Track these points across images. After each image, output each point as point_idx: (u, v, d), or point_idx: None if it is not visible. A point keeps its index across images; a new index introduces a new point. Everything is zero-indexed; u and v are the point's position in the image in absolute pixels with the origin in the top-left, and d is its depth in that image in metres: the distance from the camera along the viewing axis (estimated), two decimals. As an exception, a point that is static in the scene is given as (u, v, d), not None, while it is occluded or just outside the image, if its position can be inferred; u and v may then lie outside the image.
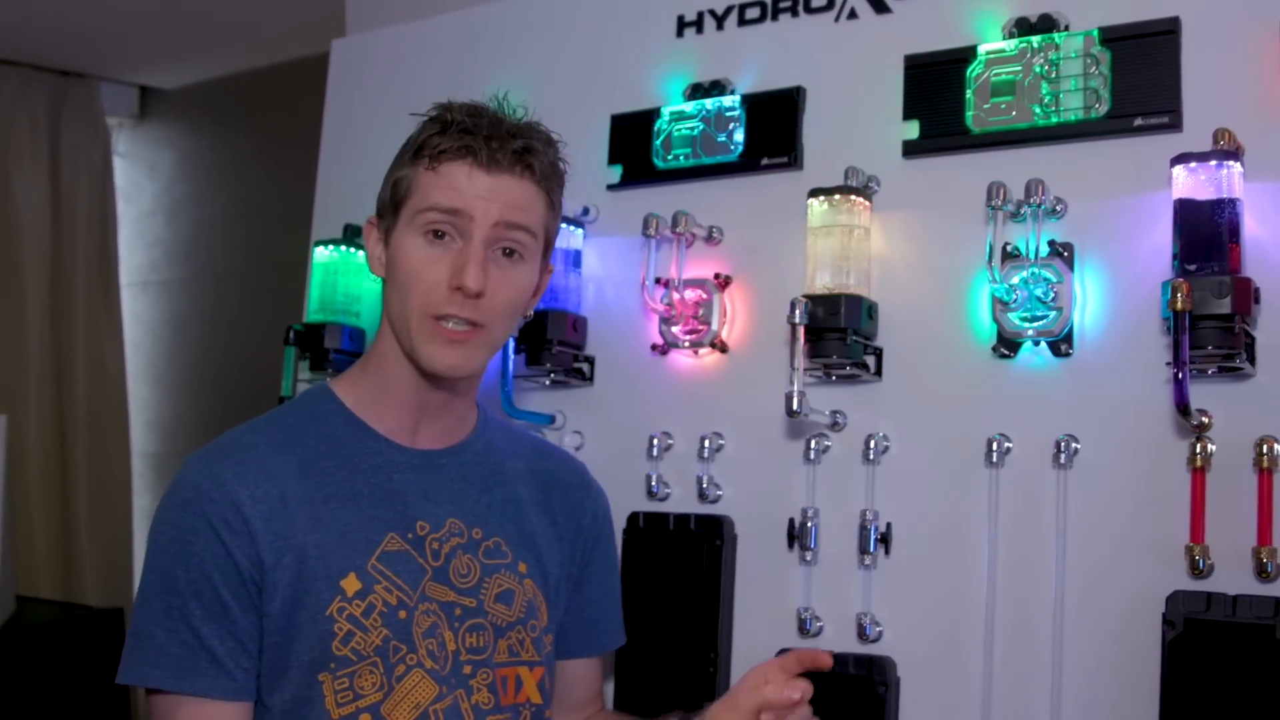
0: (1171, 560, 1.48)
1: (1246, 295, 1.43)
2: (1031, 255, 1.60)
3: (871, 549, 1.67)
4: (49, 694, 2.59)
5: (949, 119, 1.69)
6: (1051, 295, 1.58)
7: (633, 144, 1.96)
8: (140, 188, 3.99)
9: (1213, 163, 1.46)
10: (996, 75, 1.66)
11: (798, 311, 1.63)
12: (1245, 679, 1.39)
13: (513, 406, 1.90)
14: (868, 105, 1.78)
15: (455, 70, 2.18)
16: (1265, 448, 1.43)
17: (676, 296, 1.86)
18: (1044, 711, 1.53)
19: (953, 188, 1.69)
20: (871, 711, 1.62)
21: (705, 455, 1.82)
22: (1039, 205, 1.59)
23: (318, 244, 2.19)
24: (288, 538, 1.17)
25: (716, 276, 1.86)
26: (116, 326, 3.83)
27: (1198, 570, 1.45)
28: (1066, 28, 1.64)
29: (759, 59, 1.89)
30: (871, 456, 1.69)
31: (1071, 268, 1.59)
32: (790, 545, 1.73)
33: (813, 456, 1.74)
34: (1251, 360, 1.46)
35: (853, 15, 1.83)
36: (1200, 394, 1.47)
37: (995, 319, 1.62)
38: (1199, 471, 1.46)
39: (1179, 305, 1.41)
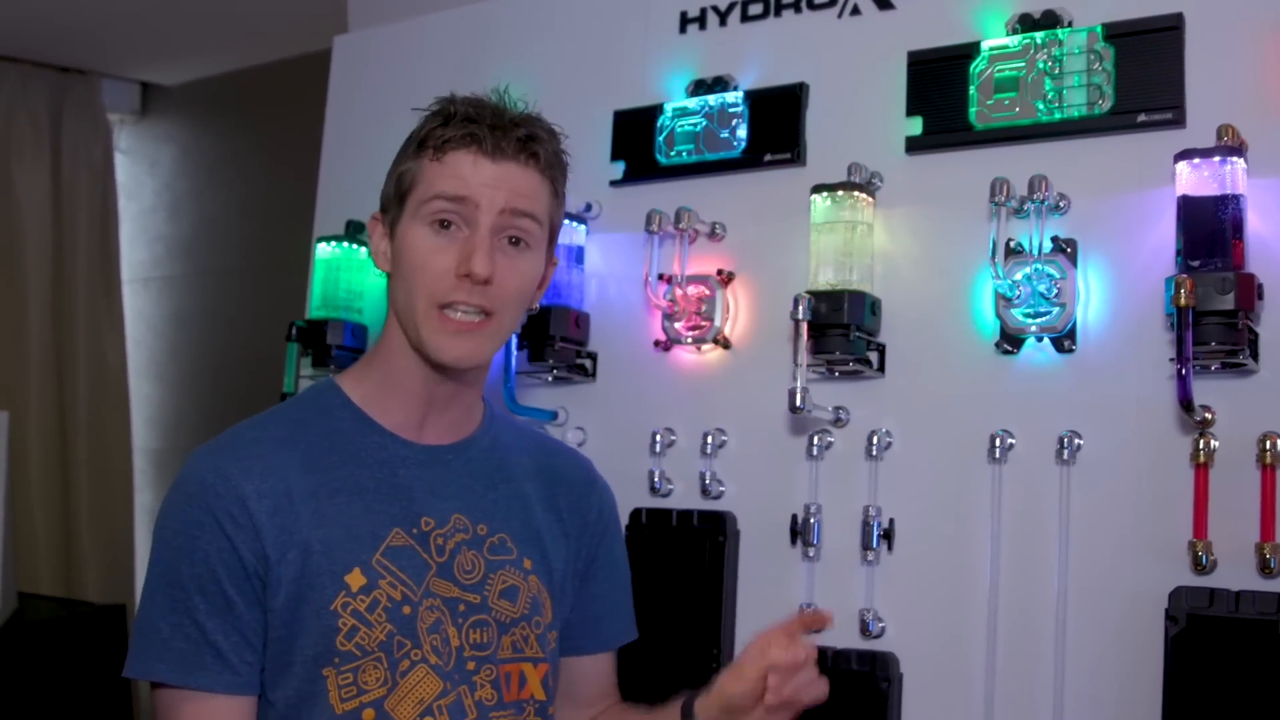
0: (1174, 556, 1.48)
1: (1250, 291, 1.43)
2: (1035, 251, 1.60)
3: (874, 545, 1.67)
4: (51, 690, 2.59)
5: (952, 115, 1.69)
6: (1055, 291, 1.58)
7: (636, 140, 1.96)
8: (141, 184, 3.99)
9: (1216, 159, 1.46)
10: (1000, 71, 1.66)
11: (801, 307, 1.63)
12: (1248, 675, 1.39)
13: (515, 403, 1.90)
14: (871, 101, 1.78)
15: (457, 66, 2.18)
16: (1268, 443, 1.43)
17: (679, 292, 1.86)
18: (1046, 707, 1.53)
19: (956, 184, 1.69)
20: (874, 707, 1.62)
21: (708, 451, 1.82)
22: (1042, 201, 1.59)
23: (320, 240, 2.19)
24: (293, 533, 1.17)
25: (719, 272, 1.86)
26: (118, 323, 3.82)
27: (1200, 566, 1.45)
28: (1070, 24, 1.64)
29: (762, 55, 1.89)
30: (874, 452, 1.69)
31: (1075, 264, 1.59)
32: (793, 541, 1.73)
33: (815, 452, 1.74)
34: (1255, 356, 1.46)
35: (856, 11, 1.83)
36: (1203, 390, 1.47)
37: (998, 315, 1.62)
38: (1202, 467, 1.46)
39: (1182, 301, 1.41)
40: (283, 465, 1.20)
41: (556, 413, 1.98)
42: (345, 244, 2.17)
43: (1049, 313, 1.58)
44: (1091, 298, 1.59)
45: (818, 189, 1.71)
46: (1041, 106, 1.63)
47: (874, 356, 1.71)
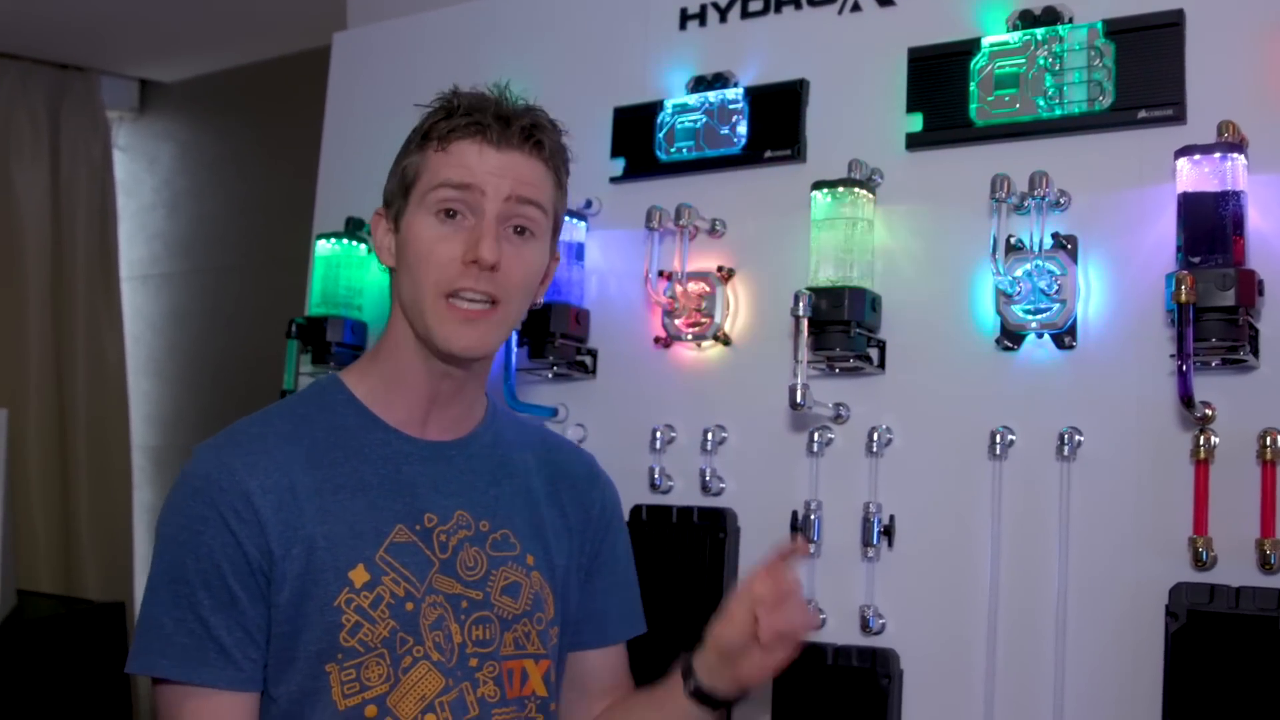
0: (1175, 552, 1.48)
1: (1250, 288, 1.43)
2: (1035, 248, 1.60)
3: (875, 541, 1.67)
4: (50, 688, 2.59)
5: (953, 111, 1.69)
6: (1055, 288, 1.58)
7: (636, 137, 1.96)
8: (140, 181, 3.98)
9: (1217, 155, 1.46)
10: (1000, 68, 1.66)
11: (801, 304, 1.63)
12: (1248, 671, 1.39)
13: (515, 399, 1.89)
14: (871, 98, 1.78)
15: (457, 63, 2.18)
16: (1269, 440, 1.43)
17: (679, 289, 1.86)
18: (1047, 703, 1.53)
19: (956, 180, 1.69)
20: (875, 704, 1.62)
21: (708, 448, 1.82)
22: (1043, 198, 1.59)
23: (319, 237, 2.19)
24: (297, 528, 1.17)
25: (719, 269, 1.86)
26: (117, 320, 3.82)
27: (1201, 562, 1.45)
28: (1070, 20, 1.64)
29: (762, 51, 1.89)
30: (875, 449, 1.69)
31: (1075, 260, 1.59)
32: (793, 538, 1.73)
33: (816, 449, 1.74)
34: (1255, 352, 1.46)
35: (856, 8, 1.82)
36: (1204, 386, 1.47)
37: (999, 311, 1.62)
38: (1202, 464, 1.46)
39: (1183, 298, 1.41)
40: (287, 461, 1.20)
41: (556, 410, 1.98)
42: (345, 241, 2.17)
43: (1049, 309, 1.58)
44: (1092, 294, 1.59)
45: (818, 185, 1.71)
46: (1042, 103, 1.63)
47: (874, 353, 1.71)
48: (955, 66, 1.69)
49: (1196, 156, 1.47)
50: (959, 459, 1.64)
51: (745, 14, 1.92)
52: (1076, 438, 1.56)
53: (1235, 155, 1.46)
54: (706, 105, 1.90)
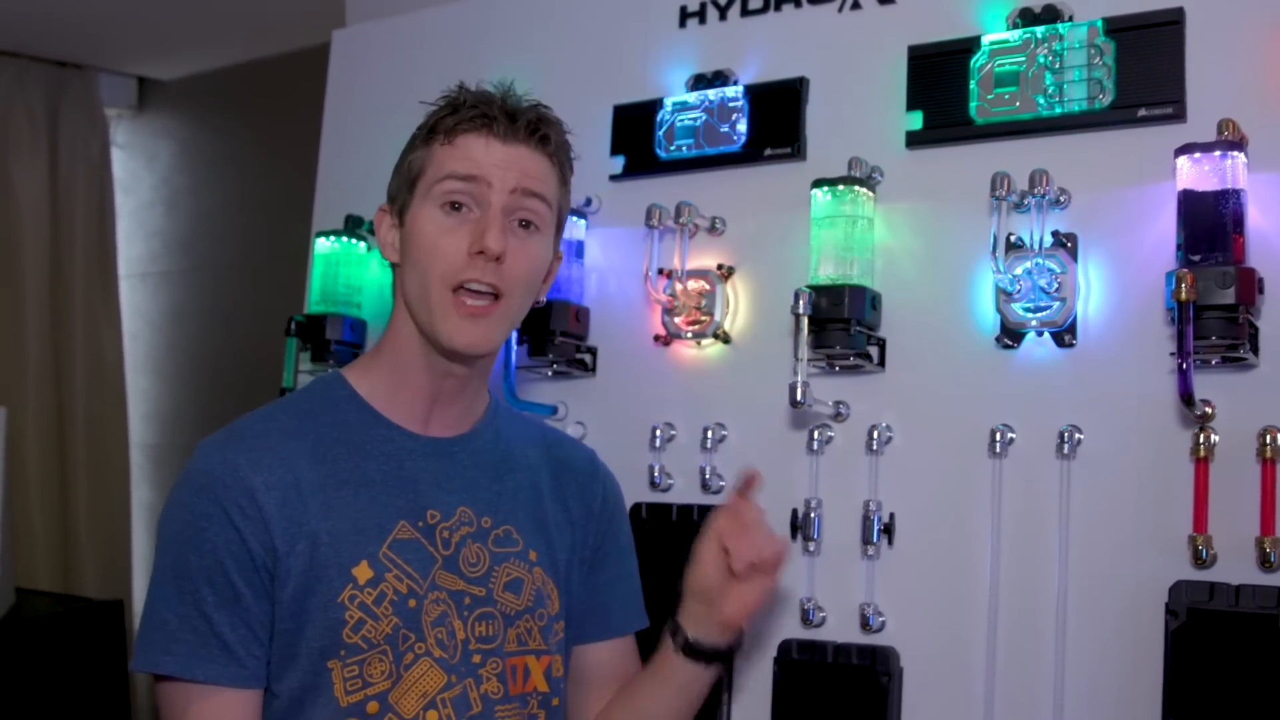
0: (1175, 550, 1.48)
1: (1250, 286, 1.43)
2: (1035, 246, 1.60)
3: (875, 539, 1.67)
4: (49, 686, 2.59)
5: (953, 110, 1.69)
6: (1055, 286, 1.58)
7: (635, 135, 1.96)
8: (139, 179, 3.98)
9: (1217, 153, 1.47)
10: (1000, 66, 1.66)
11: (801, 302, 1.63)
12: (1248, 669, 1.39)
13: (515, 397, 1.89)
14: (871, 96, 1.78)
15: (456, 61, 2.17)
16: (1268, 438, 1.43)
17: (679, 287, 1.86)
18: (1047, 701, 1.54)
19: (956, 178, 1.69)
20: (874, 702, 1.62)
21: (708, 446, 1.82)
22: (1043, 196, 1.59)
23: (319, 235, 2.19)
24: (301, 524, 1.17)
25: (719, 267, 1.86)
26: (115, 318, 3.82)
27: (1201, 560, 1.45)
28: (1070, 18, 1.64)
29: (762, 49, 1.89)
30: (875, 447, 1.69)
31: (1075, 258, 1.59)
32: (793, 536, 1.73)
33: (816, 447, 1.74)
34: (1255, 351, 1.46)
35: (856, 5, 1.82)
36: (1204, 384, 1.47)
37: (999, 310, 1.62)
38: (1202, 462, 1.46)
39: (1183, 296, 1.41)
40: (291, 457, 1.20)
41: (556, 407, 1.98)
42: (344, 239, 2.17)
43: (1049, 307, 1.59)
44: (1092, 292, 1.59)
45: (818, 183, 1.71)
46: (1042, 101, 1.63)
47: (874, 351, 1.71)
48: (955, 64, 1.69)
49: (1196, 155, 1.47)
50: (959, 457, 1.64)
51: (745, 12, 1.92)
52: (1076, 436, 1.56)
53: (1235, 153, 1.46)
54: (706, 103, 1.90)
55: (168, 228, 3.89)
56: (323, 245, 2.17)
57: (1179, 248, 1.47)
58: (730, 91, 1.88)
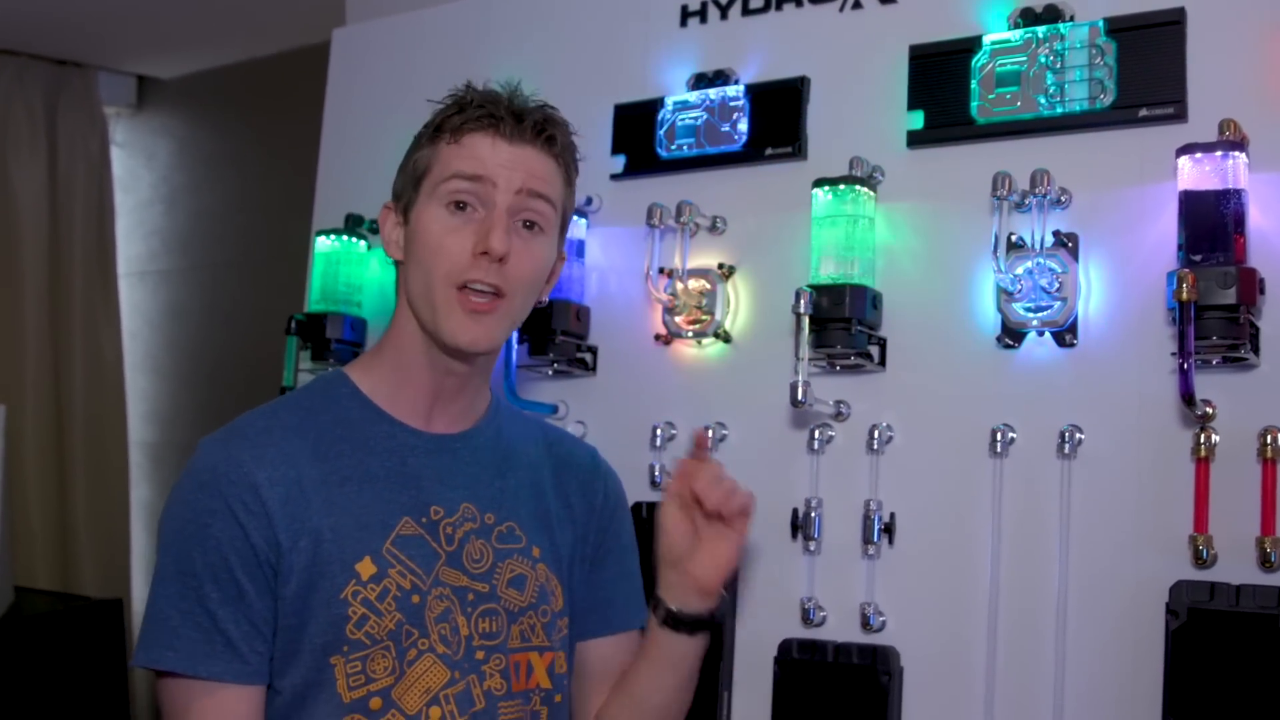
0: (1175, 550, 1.48)
1: (1251, 286, 1.43)
2: (1036, 246, 1.60)
3: (875, 539, 1.67)
4: (47, 684, 2.59)
5: (954, 109, 1.69)
6: (1056, 286, 1.58)
7: (636, 134, 1.96)
8: (138, 177, 3.97)
9: (1218, 153, 1.47)
10: (1001, 65, 1.66)
11: (802, 301, 1.63)
12: (1248, 669, 1.39)
13: (516, 396, 1.89)
14: (872, 95, 1.78)
15: (457, 60, 2.17)
16: (1269, 438, 1.43)
17: (680, 286, 1.86)
18: (1047, 700, 1.54)
19: (957, 178, 1.69)
20: (875, 701, 1.62)
21: (708, 445, 1.82)
22: (1044, 196, 1.59)
23: (319, 234, 2.19)
24: (304, 520, 1.17)
25: (720, 266, 1.86)
26: (114, 316, 3.81)
27: (1201, 560, 1.46)
28: (1072, 18, 1.64)
29: (763, 49, 1.89)
30: (875, 446, 1.69)
31: (1076, 258, 1.59)
32: (794, 535, 1.73)
33: (816, 446, 1.74)
34: (1256, 351, 1.46)
35: (857, 5, 1.82)
36: (1205, 384, 1.47)
37: (1000, 309, 1.62)
38: (1203, 462, 1.46)
39: (1184, 296, 1.41)
40: (294, 453, 1.20)
41: (557, 406, 1.98)
42: (345, 237, 2.17)
43: (1050, 307, 1.59)
44: (1093, 292, 1.59)
45: (819, 183, 1.71)
46: (1043, 101, 1.63)
47: (875, 350, 1.71)
48: (956, 64, 1.70)
49: (1198, 155, 1.48)
50: (960, 457, 1.64)
51: (746, 11, 1.92)
52: (1077, 436, 1.57)
53: (1236, 153, 1.46)
54: (707, 102, 1.90)
55: (167, 226, 3.89)
56: (323, 244, 2.17)
57: (1180, 248, 1.47)
58: (731, 91, 1.88)
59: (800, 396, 1.62)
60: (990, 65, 1.67)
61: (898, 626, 1.66)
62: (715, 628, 1.32)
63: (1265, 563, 1.42)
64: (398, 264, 1.29)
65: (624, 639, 1.42)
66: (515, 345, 1.89)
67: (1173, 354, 1.48)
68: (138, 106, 3.98)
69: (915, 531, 1.67)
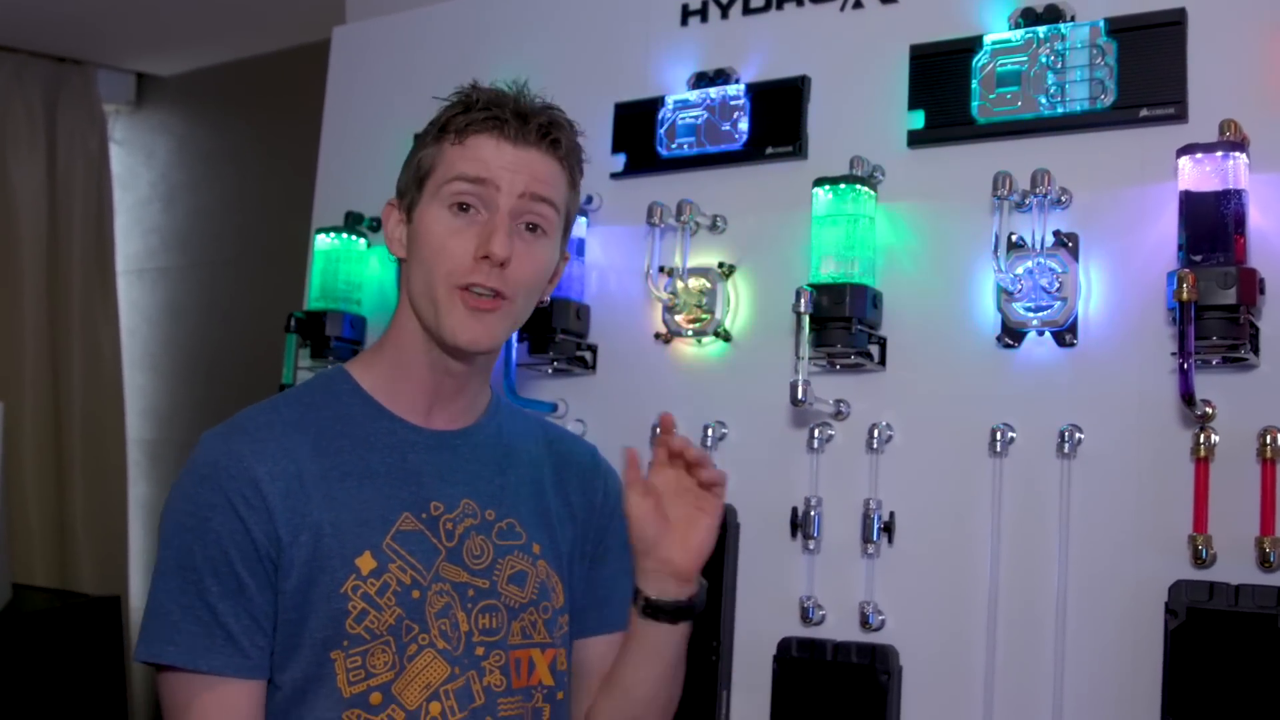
0: (1174, 550, 1.48)
1: (1251, 286, 1.43)
2: (1037, 246, 1.60)
3: (875, 538, 1.67)
4: (45, 681, 2.59)
5: (954, 109, 1.70)
6: (1056, 285, 1.58)
7: (637, 133, 1.96)
8: (137, 175, 3.97)
9: (1218, 154, 1.47)
10: (1002, 65, 1.66)
11: (802, 300, 1.64)
12: (1247, 668, 1.40)
13: (516, 394, 1.89)
14: (873, 95, 1.78)
15: (457, 58, 2.17)
16: (1269, 438, 1.44)
17: (680, 285, 1.86)
18: (1046, 700, 1.54)
19: (958, 178, 1.69)
20: (874, 700, 1.62)
21: (708, 444, 1.82)
22: (1044, 196, 1.59)
23: (319, 231, 2.19)
24: (304, 515, 1.17)
25: (720, 265, 1.87)
26: (113, 314, 3.81)
27: (1201, 560, 1.46)
28: (1073, 18, 1.64)
29: (764, 48, 1.89)
30: (875, 445, 1.70)
31: (1076, 258, 1.59)
32: (793, 534, 1.73)
33: (816, 445, 1.74)
34: (1256, 351, 1.47)
35: (858, 4, 1.83)
36: (1204, 384, 1.47)
37: (1000, 309, 1.62)
38: (1202, 462, 1.46)
39: (1184, 296, 1.41)
40: (294, 448, 1.20)
41: (556, 405, 1.98)
42: (344, 235, 2.17)
43: (1050, 307, 1.59)
44: (1093, 292, 1.59)
45: (819, 182, 1.72)
46: (1044, 101, 1.63)
47: (875, 350, 1.71)
48: (957, 64, 1.70)
49: (1198, 155, 1.48)
50: (959, 456, 1.64)
51: (747, 10, 1.92)
52: (1077, 435, 1.57)
53: (1237, 154, 1.46)
54: (708, 101, 1.90)
55: (166, 224, 3.89)
56: (323, 241, 2.17)
57: (1180, 248, 1.48)
58: (732, 90, 1.88)
59: (800, 395, 1.62)
60: (991, 65, 1.67)
61: (897, 626, 1.66)
62: (696, 616, 1.31)
63: (1264, 563, 1.42)
64: (400, 261, 1.29)
65: (621, 637, 1.41)
66: (515, 343, 1.89)
67: (1173, 354, 1.48)
68: (137, 104, 3.98)
69: (915, 531, 1.67)
